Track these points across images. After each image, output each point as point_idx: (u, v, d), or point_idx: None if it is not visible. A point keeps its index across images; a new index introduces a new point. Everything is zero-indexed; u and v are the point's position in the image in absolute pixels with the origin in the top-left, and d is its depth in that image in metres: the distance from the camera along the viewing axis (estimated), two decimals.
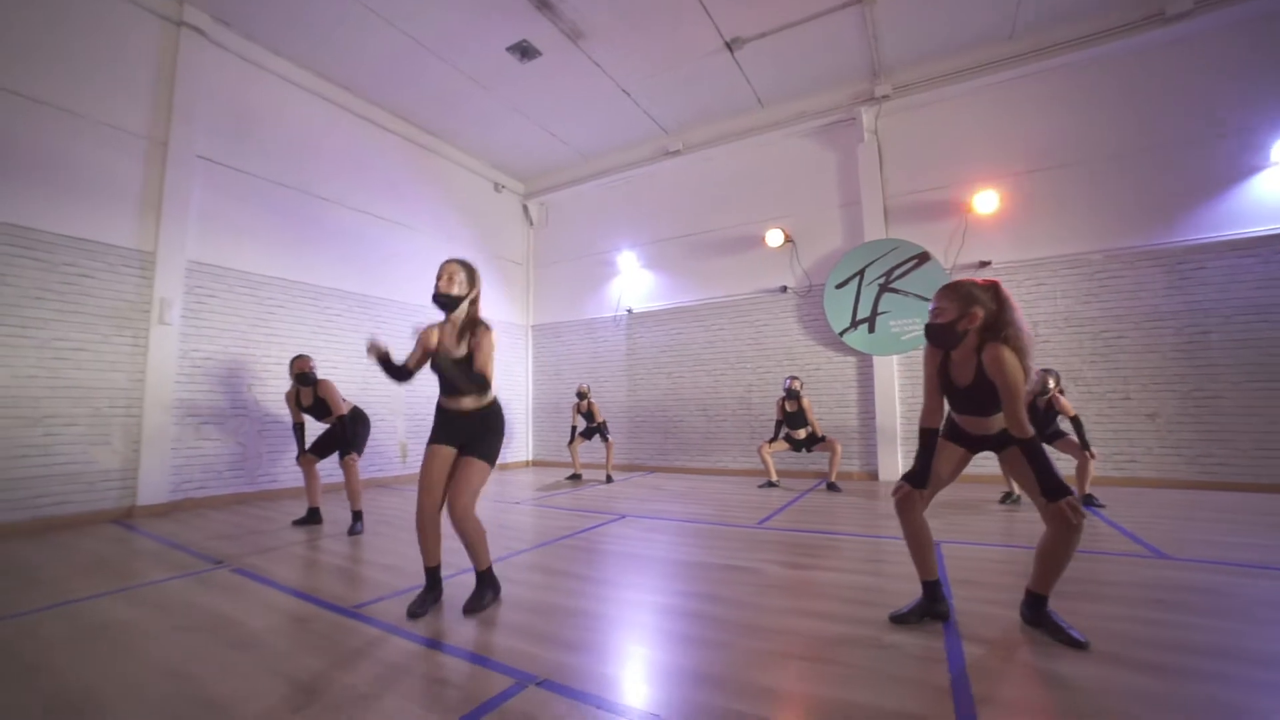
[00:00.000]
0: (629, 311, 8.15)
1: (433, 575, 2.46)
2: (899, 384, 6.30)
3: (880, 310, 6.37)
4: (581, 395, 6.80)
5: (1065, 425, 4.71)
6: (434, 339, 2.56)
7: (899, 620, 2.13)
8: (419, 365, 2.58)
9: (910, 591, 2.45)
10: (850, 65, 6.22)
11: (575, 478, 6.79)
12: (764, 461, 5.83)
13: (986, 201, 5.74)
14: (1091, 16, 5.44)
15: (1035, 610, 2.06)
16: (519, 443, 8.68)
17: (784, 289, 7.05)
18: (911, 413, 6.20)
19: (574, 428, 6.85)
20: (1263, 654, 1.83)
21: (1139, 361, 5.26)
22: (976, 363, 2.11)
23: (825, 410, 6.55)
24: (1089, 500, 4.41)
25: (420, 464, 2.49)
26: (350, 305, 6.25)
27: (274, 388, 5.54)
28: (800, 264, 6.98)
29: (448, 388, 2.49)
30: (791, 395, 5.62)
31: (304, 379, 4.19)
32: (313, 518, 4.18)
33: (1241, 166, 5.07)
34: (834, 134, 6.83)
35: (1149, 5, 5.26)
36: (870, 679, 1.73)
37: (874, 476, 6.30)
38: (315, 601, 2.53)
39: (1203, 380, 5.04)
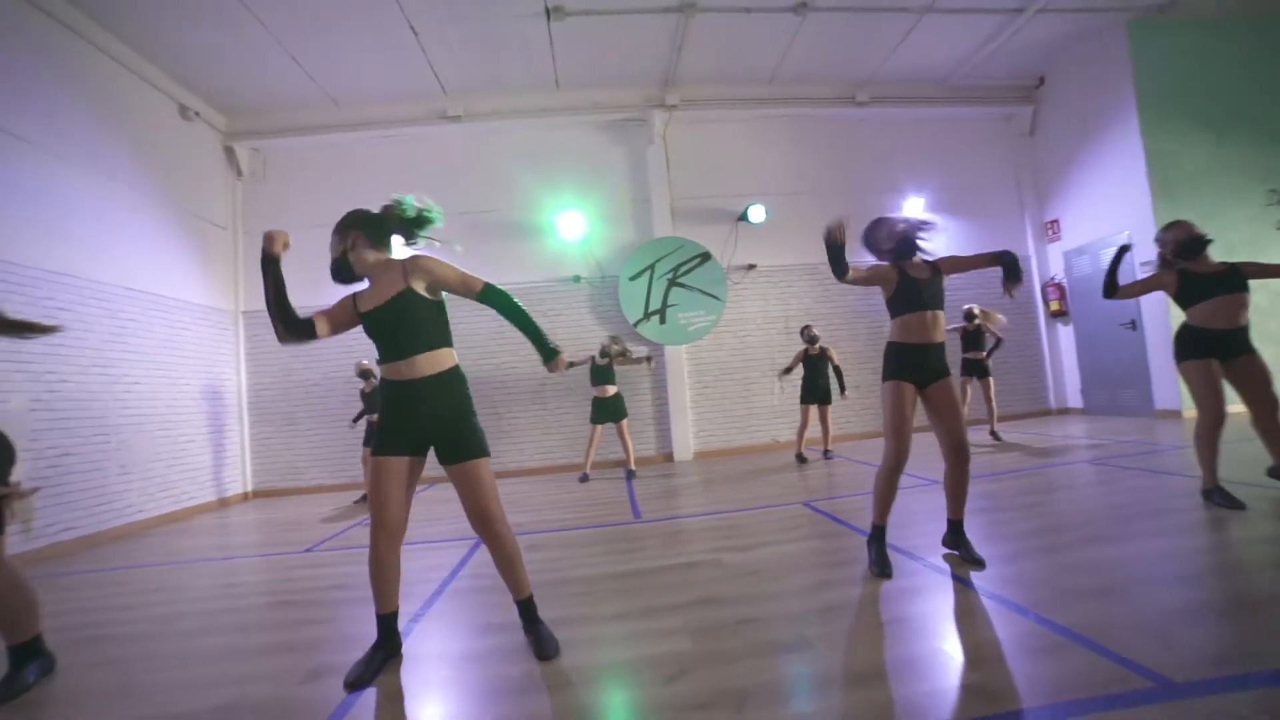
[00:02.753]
0: None
1: (388, 625, 1.94)
2: (688, 370, 6.96)
3: (670, 303, 6.91)
4: (365, 375, 5.52)
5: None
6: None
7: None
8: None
9: (857, 544, 2.75)
10: (650, 69, 6.53)
11: (365, 499, 5.33)
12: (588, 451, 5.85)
13: (755, 213, 6.84)
14: (818, 82, 7.04)
15: (956, 535, 2.54)
16: (233, 469, 6.27)
17: (577, 279, 6.96)
18: (699, 398, 6.94)
19: (368, 425, 5.58)
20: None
21: (851, 345, 7.08)
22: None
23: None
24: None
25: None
26: None
27: None
28: (594, 254, 7.01)
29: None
30: (607, 347, 5.67)
31: None
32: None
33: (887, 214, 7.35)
34: (626, 131, 7.07)
35: (848, 90, 7.14)
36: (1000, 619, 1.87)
37: (669, 458, 6.82)
38: None
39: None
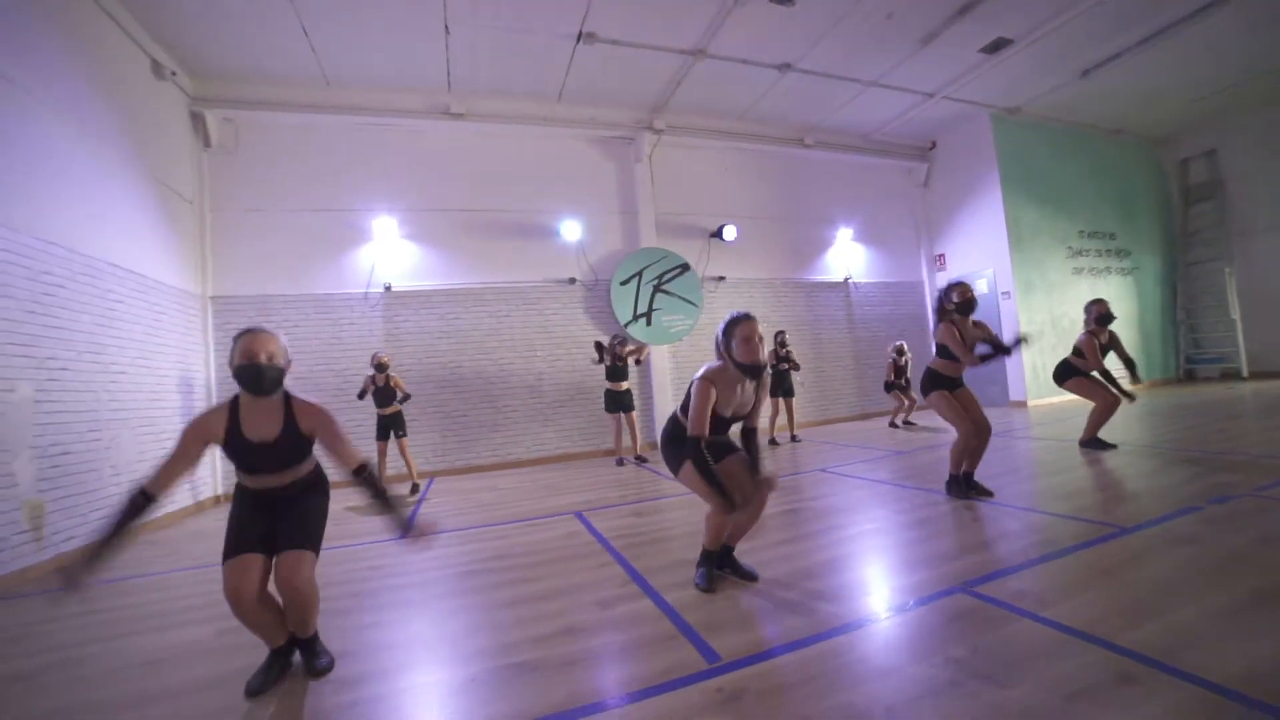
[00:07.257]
0: (387, 289, 6.63)
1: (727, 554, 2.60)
2: (670, 367, 7.75)
3: (655, 307, 7.66)
4: (382, 368, 5.39)
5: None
6: None
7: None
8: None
9: (896, 488, 3.78)
10: (645, 95, 7.21)
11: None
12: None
13: (729, 232, 7.86)
14: (776, 123, 8.30)
15: (966, 481, 3.71)
16: (204, 470, 5.67)
17: (572, 280, 7.41)
18: (679, 392, 7.76)
19: (381, 420, 5.43)
20: None
21: (798, 348, 8.38)
22: None
23: None
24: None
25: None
26: None
27: None
28: (586, 258, 7.50)
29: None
30: (617, 349, 6.20)
31: None
32: None
33: (826, 240, 8.88)
34: (616, 147, 7.67)
35: (798, 133, 8.51)
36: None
37: (654, 446, 7.55)
38: None
39: (822, 363, 8.59)
